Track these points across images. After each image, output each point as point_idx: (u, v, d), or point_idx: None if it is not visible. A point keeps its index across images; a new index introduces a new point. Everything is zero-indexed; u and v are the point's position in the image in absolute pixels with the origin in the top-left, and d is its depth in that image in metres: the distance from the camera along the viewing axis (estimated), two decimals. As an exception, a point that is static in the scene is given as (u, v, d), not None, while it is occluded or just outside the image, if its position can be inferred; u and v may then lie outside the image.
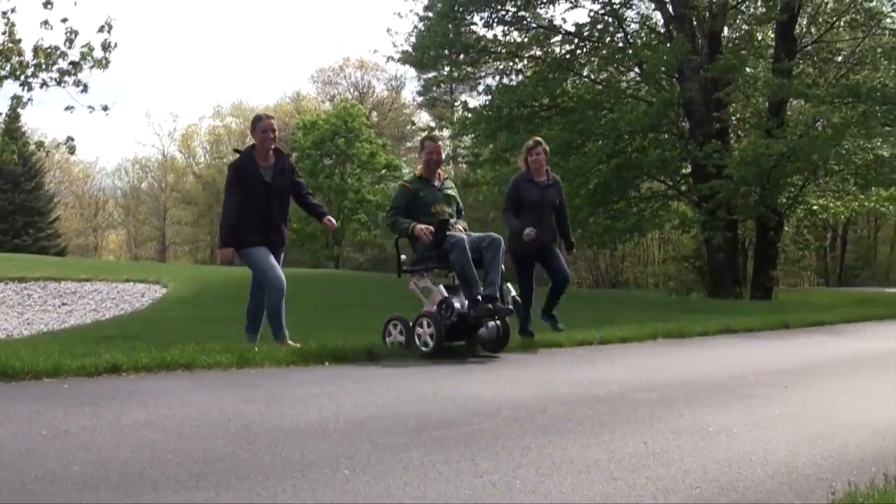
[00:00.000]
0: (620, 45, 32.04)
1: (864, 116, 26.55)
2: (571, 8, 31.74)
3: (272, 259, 8.85)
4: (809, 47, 30.77)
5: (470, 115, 32.59)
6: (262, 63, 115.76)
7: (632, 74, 33.26)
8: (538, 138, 11.06)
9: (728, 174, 27.39)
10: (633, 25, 32.71)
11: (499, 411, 6.00)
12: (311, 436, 5.01)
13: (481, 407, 6.14)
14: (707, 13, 29.59)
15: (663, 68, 29.77)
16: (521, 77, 33.11)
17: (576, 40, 32.19)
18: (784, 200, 30.32)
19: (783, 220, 31.98)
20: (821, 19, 30.64)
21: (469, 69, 33.14)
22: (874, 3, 28.56)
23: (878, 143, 27.86)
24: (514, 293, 9.33)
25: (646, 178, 32.78)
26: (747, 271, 32.59)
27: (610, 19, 31.77)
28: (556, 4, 31.52)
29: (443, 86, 37.23)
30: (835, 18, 30.01)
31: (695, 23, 30.08)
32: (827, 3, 29.24)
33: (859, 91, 26.57)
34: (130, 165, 79.66)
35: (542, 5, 31.81)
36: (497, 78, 33.49)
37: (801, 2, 28.00)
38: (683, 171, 32.22)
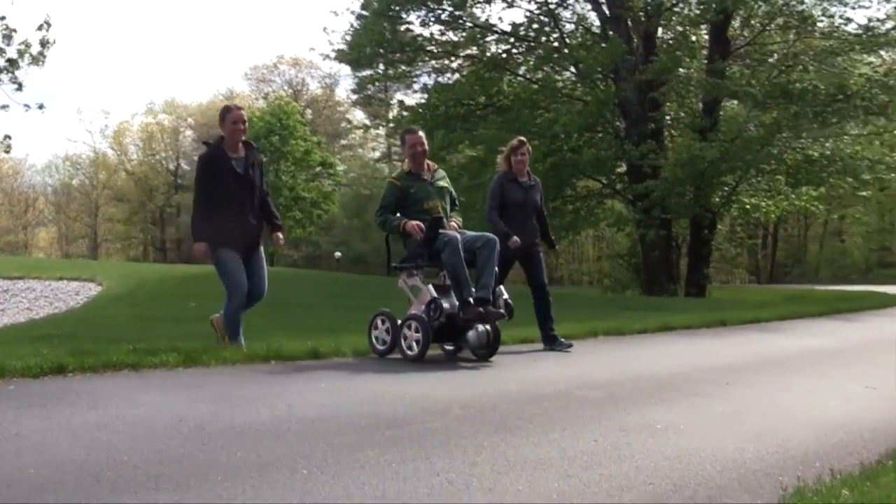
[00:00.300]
0: (556, 44, 32.23)
1: (795, 117, 27.01)
2: (507, 7, 31.94)
3: (240, 263, 8.56)
4: (742, 49, 31.17)
5: (406, 114, 32.65)
6: (196, 60, 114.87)
7: (567, 74, 33.50)
8: (522, 138, 10.70)
9: (664, 176, 27.75)
10: (568, 25, 32.94)
11: (449, 410, 6.03)
12: (264, 436, 5.01)
13: (431, 405, 6.18)
14: (642, 14, 29.90)
15: (599, 68, 30.02)
16: (457, 76, 33.20)
17: (512, 40, 32.36)
18: (718, 199, 30.74)
19: (717, 219, 32.43)
20: (753, 21, 31.06)
21: (405, 68, 33.14)
22: (805, 7, 29.01)
23: (809, 143, 28.42)
24: (506, 296, 8.89)
25: (582, 176, 33.02)
26: (681, 269, 33.00)
27: (546, 19, 31.95)
28: (492, 4, 31.88)
29: (377, 84, 37.19)
30: (767, 21, 30.42)
31: (630, 24, 30.37)
32: (759, 5, 29.67)
33: (791, 92, 27.03)
34: (61, 162, 78.73)
35: (478, 5, 31.98)
36: (433, 77, 33.58)
37: (735, 4, 28.35)
38: (619, 170, 32.53)
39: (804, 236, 65.87)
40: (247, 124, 8.74)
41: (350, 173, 66.45)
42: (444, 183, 9.19)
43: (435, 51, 32.43)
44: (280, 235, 9.01)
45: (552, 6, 32.03)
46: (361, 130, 57.97)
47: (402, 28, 31.29)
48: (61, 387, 6.38)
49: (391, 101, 37.73)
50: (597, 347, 11.11)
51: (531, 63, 32.94)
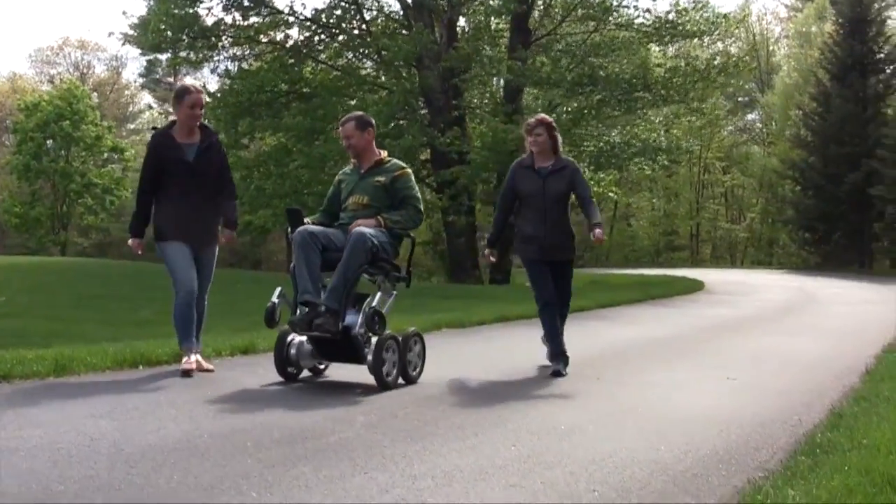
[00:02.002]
0: (357, 32, 32.13)
1: (599, 104, 27.86)
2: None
3: (188, 258, 7.77)
4: (543, 39, 31.81)
5: (209, 100, 31.90)
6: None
7: (370, 63, 33.44)
8: (542, 115, 8.86)
9: (471, 159, 28.07)
10: (371, 13, 32.82)
11: (352, 418, 5.97)
12: (188, 454, 4.85)
13: (332, 413, 6.12)
14: (444, 3, 30.14)
15: (403, 57, 30.08)
16: (260, 62, 32.64)
17: (314, 26, 32.05)
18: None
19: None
20: (554, 11, 31.75)
21: (207, 52, 32.31)
22: (603, -3, 29.93)
23: (611, 129, 29.45)
24: (375, 308, 7.18)
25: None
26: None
27: (347, 5, 31.79)
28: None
29: (166, 68, 36.20)
30: (566, 13, 31.14)
31: (433, 13, 30.53)
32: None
33: (597, 79, 27.84)
34: None
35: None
36: (236, 63, 32.92)
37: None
38: (423, 157, 32.68)
39: (594, 220, 67.58)
40: (204, 108, 8.07)
41: (139, 158, 64.57)
42: (382, 178, 7.68)
43: (237, 36, 31.75)
44: (229, 232, 8.17)
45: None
46: (149, 114, 56.65)
47: (203, 11, 30.53)
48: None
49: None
50: (446, 341, 11.10)
51: (333, 49, 32.66)
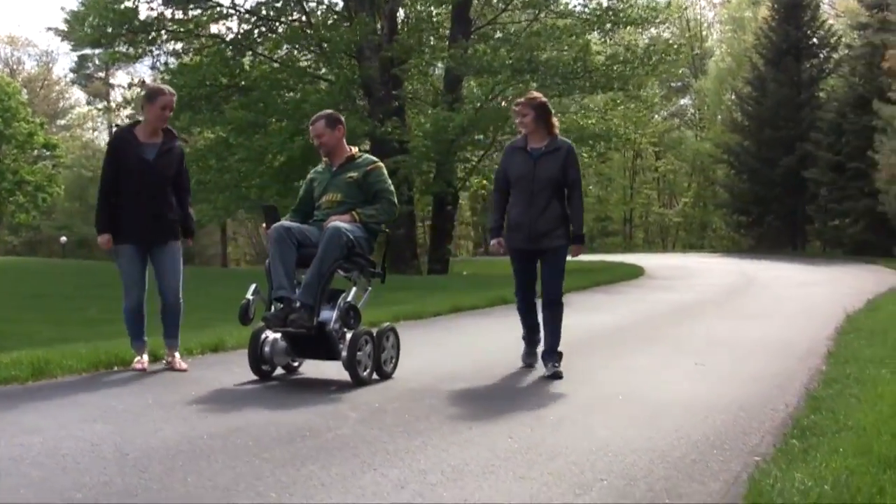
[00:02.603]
0: (296, 24, 31.99)
1: (540, 90, 28.02)
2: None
3: (137, 265, 7.77)
4: (484, 28, 31.94)
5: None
6: None
7: (310, 55, 33.30)
8: (532, 94, 8.23)
9: (412, 147, 28.14)
10: (311, 4, 32.74)
11: (343, 414, 6.02)
12: (194, 456, 4.88)
13: (322, 410, 6.17)
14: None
15: (344, 48, 30.04)
16: (199, 56, 32.34)
17: (253, 19, 31.87)
18: (461, 175, 31.47)
19: (458, 195, 33.22)
20: (495, 1, 31.94)
21: (145, 47, 32.00)
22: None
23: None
24: (351, 303, 7.23)
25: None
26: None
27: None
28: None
29: (100, 63, 35.80)
30: (506, 2, 31.36)
31: (373, 3, 30.52)
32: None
33: (537, 66, 28.04)
34: None
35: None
36: (175, 57, 32.60)
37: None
38: (364, 148, 32.63)
39: (528, 207, 67.95)
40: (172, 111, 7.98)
41: (70, 154, 63.84)
42: (355, 174, 7.66)
43: (177, 30, 31.46)
44: (185, 241, 8.13)
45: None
46: (85, 110, 55.96)
47: (143, 7, 30.35)
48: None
49: (132, 81, 36.05)
50: (409, 333, 11.06)
51: (272, 41, 32.46)
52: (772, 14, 48.70)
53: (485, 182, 34.17)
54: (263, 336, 7.39)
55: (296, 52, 32.70)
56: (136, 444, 5.09)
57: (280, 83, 31.20)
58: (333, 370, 7.37)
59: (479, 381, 7.50)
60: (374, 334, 7.42)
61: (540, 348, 8.15)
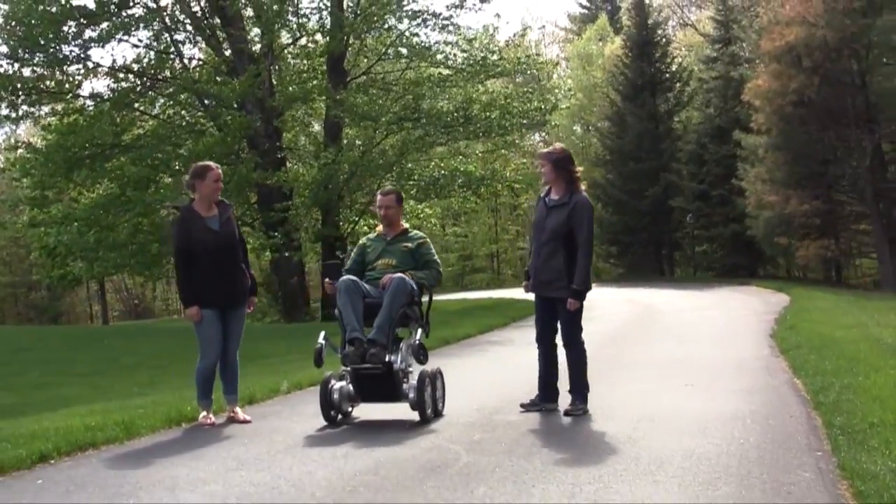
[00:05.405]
0: (179, 80, 32.26)
1: (421, 139, 29.31)
2: (133, 46, 31.73)
3: (217, 329, 8.49)
4: (360, 78, 32.93)
5: (29, 154, 31.37)
6: None
7: (191, 112, 33.59)
8: (556, 147, 8.95)
9: (300, 194, 29.04)
10: (194, 62, 33.32)
11: (447, 447, 6.95)
12: (373, 487, 5.74)
13: (432, 443, 7.11)
14: (265, 48, 31.03)
15: (231, 102, 30.50)
16: (78, 116, 32.21)
17: (129, 76, 32.16)
18: (350, 220, 32.23)
19: (346, 240, 33.99)
20: (369, 53, 33.01)
21: (27, 109, 31.89)
22: (420, 38, 31.46)
23: (435, 163, 31.11)
24: (420, 341, 8.32)
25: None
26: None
27: (165, 56, 32.19)
28: (114, 42, 31.04)
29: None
30: (381, 53, 32.45)
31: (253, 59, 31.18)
32: (368, 39, 31.89)
33: (420, 115, 29.28)
34: None
35: (95, 46, 31.24)
36: (60, 117, 32.44)
37: (348, 40, 30.21)
38: (253, 201, 33.02)
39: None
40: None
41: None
42: (410, 245, 8.85)
43: (60, 91, 31.43)
44: (254, 300, 9.01)
45: (171, 45, 32.10)
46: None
47: (28, 69, 30.33)
48: (51, 477, 6.50)
49: (18, 143, 35.21)
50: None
51: (149, 98, 32.65)
52: (625, 52, 50.86)
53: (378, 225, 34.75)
54: (331, 384, 8.31)
55: (185, 108, 32.97)
56: (306, 484, 5.92)
57: (167, 139, 31.42)
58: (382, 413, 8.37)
59: (528, 417, 8.30)
60: (437, 375, 8.50)
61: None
